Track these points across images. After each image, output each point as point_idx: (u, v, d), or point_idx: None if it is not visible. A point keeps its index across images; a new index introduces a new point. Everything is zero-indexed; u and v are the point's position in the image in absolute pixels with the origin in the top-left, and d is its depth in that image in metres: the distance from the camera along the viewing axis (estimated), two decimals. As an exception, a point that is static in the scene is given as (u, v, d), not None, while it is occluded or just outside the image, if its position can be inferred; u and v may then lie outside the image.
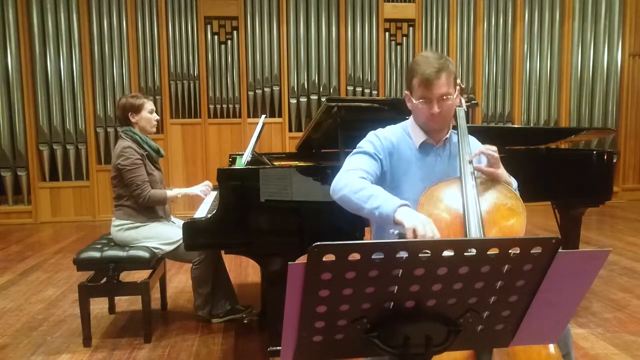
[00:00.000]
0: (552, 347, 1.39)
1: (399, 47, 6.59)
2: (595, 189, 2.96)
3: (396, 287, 0.91)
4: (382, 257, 0.86)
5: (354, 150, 1.73)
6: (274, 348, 2.23)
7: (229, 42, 6.29)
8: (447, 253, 0.88)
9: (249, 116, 6.35)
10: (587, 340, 2.63)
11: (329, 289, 0.89)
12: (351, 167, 1.64)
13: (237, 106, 6.32)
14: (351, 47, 6.44)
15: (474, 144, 1.78)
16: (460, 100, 1.80)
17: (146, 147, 2.81)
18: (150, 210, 2.80)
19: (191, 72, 6.20)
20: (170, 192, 2.86)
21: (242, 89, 6.31)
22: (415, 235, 1.35)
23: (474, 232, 1.47)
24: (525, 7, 6.70)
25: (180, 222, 2.60)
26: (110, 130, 6.07)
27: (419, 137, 1.74)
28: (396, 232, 1.45)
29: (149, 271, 2.78)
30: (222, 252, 2.50)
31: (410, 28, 6.57)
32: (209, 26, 6.24)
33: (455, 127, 1.78)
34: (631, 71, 6.99)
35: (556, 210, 3.15)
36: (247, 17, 6.24)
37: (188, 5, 6.15)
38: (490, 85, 6.74)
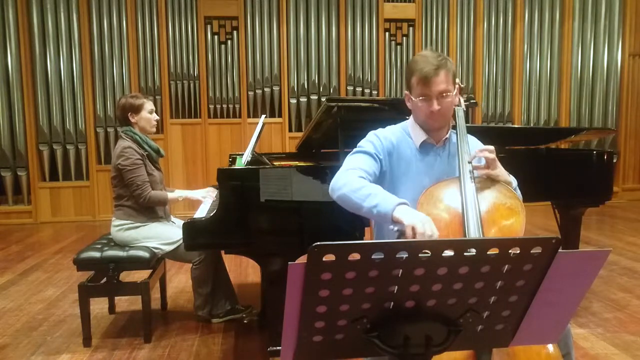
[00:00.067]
0: (552, 347, 1.39)
1: (399, 47, 6.59)
2: (595, 189, 2.96)
3: (396, 287, 0.91)
4: (382, 257, 0.86)
5: (354, 150, 1.73)
6: (274, 348, 2.23)
7: (229, 42, 6.29)
8: (447, 253, 0.88)
9: (249, 116, 6.35)
10: (587, 340, 2.63)
11: (329, 289, 0.89)
12: (350, 167, 1.64)
13: (237, 106, 6.32)
14: (351, 47, 6.43)
15: (475, 144, 1.78)
16: (459, 99, 1.80)
17: (146, 147, 2.81)
18: (150, 210, 2.80)
19: (191, 72, 6.20)
20: (172, 195, 2.86)
21: (242, 89, 6.31)
22: (414, 233, 1.35)
23: (473, 232, 1.47)
24: (525, 7, 6.70)
25: (180, 222, 2.60)
26: (110, 130, 6.07)
27: (419, 136, 1.74)
28: (396, 228, 1.45)
29: (149, 271, 2.78)
30: (222, 252, 2.50)
31: (410, 28, 6.57)
32: (209, 26, 6.24)
33: (454, 127, 1.78)
34: (631, 71, 6.98)
35: (556, 210, 3.15)
36: (247, 17, 6.24)
37: (188, 5, 6.15)
38: (490, 85, 6.74)
